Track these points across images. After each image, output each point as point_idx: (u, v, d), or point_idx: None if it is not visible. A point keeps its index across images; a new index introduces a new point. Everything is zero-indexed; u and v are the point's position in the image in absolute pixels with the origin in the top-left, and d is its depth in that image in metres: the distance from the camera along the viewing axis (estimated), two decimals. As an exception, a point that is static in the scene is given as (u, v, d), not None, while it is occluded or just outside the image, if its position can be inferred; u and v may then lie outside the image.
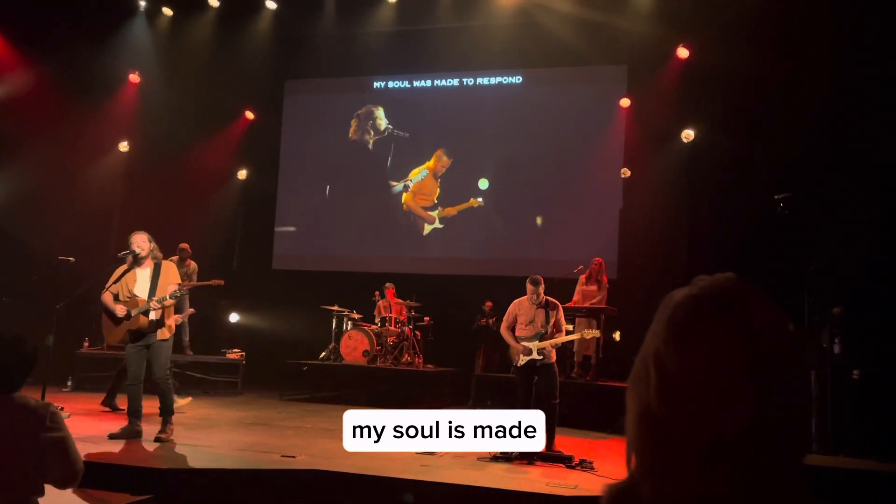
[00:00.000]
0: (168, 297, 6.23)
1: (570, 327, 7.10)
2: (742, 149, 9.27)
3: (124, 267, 6.39)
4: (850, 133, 8.45)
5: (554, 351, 6.62)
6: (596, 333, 7.24)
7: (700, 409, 0.76)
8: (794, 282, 6.90)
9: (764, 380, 0.76)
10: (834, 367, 6.60)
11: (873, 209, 7.62)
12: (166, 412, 6.34)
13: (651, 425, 0.79)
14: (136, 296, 6.26)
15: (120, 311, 6.19)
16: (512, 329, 6.68)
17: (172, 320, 6.43)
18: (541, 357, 6.50)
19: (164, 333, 6.33)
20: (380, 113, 12.82)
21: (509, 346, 6.73)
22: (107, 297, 6.28)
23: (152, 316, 6.23)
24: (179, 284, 6.48)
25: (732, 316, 0.79)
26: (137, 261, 6.33)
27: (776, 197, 7.03)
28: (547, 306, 6.60)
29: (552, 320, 6.56)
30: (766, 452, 0.75)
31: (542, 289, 6.57)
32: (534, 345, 6.50)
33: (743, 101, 9.53)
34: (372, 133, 12.86)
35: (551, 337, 6.55)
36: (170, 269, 6.44)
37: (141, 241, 6.31)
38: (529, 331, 6.56)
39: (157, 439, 6.13)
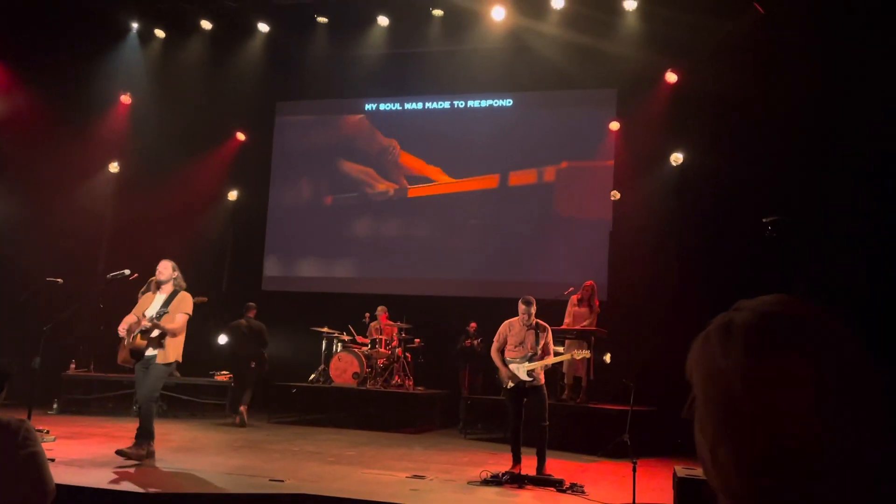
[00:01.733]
0: (155, 317, 6.23)
1: (560, 349, 7.10)
2: (730, 172, 9.35)
3: (149, 293, 6.59)
4: (835, 157, 8.55)
5: (542, 373, 6.60)
6: (586, 354, 7.22)
7: (814, 422, 0.76)
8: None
9: (861, 388, 0.78)
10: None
11: (859, 231, 7.70)
12: (141, 433, 6.24)
13: (761, 454, 0.79)
14: (144, 317, 6.35)
15: (120, 330, 6.31)
16: (502, 351, 6.65)
17: (175, 346, 6.39)
18: (530, 379, 6.47)
19: (163, 357, 6.33)
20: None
21: (498, 369, 6.70)
22: (126, 318, 6.42)
23: (154, 334, 6.26)
24: (189, 314, 6.48)
25: (809, 335, 0.80)
26: (158, 286, 6.50)
27: (764, 220, 7.09)
28: (537, 328, 6.59)
29: (541, 342, 6.54)
30: (876, 464, 0.76)
31: (533, 309, 6.57)
32: (523, 367, 6.46)
33: (730, 125, 9.64)
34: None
35: (540, 359, 6.52)
36: (184, 299, 6.48)
37: (163, 268, 6.50)
38: (519, 352, 6.54)
39: (119, 451, 6.04)
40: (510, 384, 6.53)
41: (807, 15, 8.83)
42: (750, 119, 9.34)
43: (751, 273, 8.53)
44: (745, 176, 9.10)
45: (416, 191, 12.59)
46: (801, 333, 0.80)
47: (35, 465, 2.49)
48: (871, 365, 0.81)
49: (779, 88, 8.87)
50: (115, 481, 5.43)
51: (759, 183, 8.79)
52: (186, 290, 6.58)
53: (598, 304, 9.33)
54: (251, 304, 10.48)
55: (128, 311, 6.55)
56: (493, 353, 6.68)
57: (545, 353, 6.59)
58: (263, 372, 10.06)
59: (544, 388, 6.64)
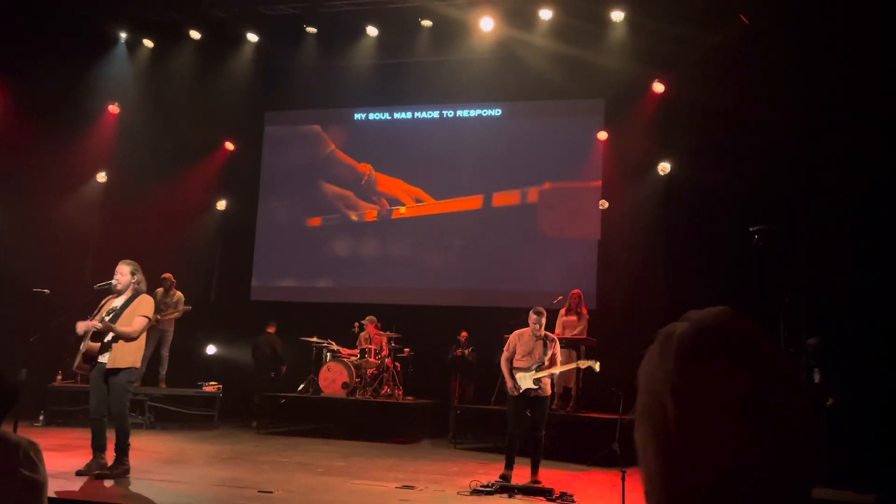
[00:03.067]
0: (104, 319, 5.91)
1: (587, 363, 7.23)
2: (717, 181, 9.42)
3: (112, 296, 6.28)
4: (822, 165, 8.64)
5: (549, 384, 6.78)
6: (593, 364, 7.18)
7: (722, 435, 0.77)
8: (770, 312, 6.98)
9: (776, 404, 0.78)
10: (812, 397, 6.66)
11: (846, 240, 7.78)
12: (118, 449, 6.00)
13: (673, 457, 0.80)
14: (97, 320, 6.06)
15: (78, 329, 5.99)
16: (510, 360, 6.77)
17: (129, 351, 6.02)
18: (536, 388, 6.59)
19: (114, 361, 5.96)
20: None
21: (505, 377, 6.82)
22: (83, 322, 6.11)
23: (108, 337, 5.94)
24: (148, 318, 6.18)
25: (740, 345, 0.81)
26: (117, 290, 6.19)
27: (751, 229, 7.15)
28: (545, 339, 6.77)
29: (549, 353, 6.69)
30: (789, 480, 0.76)
31: (544, 320, 6.75)
32: (529, 375, 6.59)
33: (717, 134, 9.72)
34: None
35: (547, 369, 6.66)
36: (143, 302, 6.16)
37: (121, 271, 6.17)
38: (526, 362, 6.69)
39: (98, 475, 5.83)
40: (516, 392, 6.64)
41: (791, 27, 8.94)
42: (736, 129, 9.43)
43: (738, 281, 8.60)
44: (731, 185, 9.17)
45: (402, 210, 12.59)
46: (733, 349, 0.80)
47: (33, 491, 2.40)
48: (802, 385, 0.81)
49: (764, 99, 8.96)
50: (100, 495, 5.38)
51: (746, 192, 8.86)
52: (148, 292, 6.35)
53: (585, 311, 9.37)
54: (271, 322, 11.54)
55: None
56: (503, 363, 6.80)
57: (552, 363, 6.73)
58: (278, 382, 11.08)
59: (548, 400, 6.84)
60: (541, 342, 6.72)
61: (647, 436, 0.82)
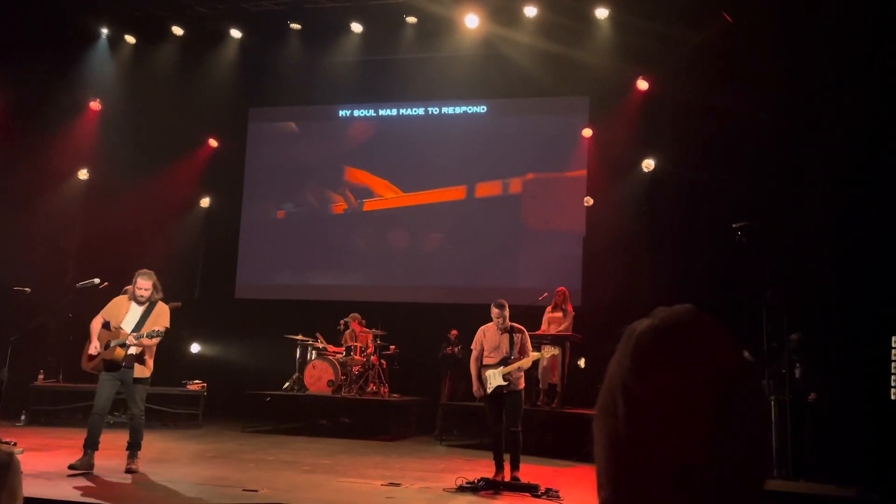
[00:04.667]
0: (146, 336, 6.17)
1: (538, 355, 7.04)
2: (701, 178, 9.49)
3: (124, 297, 6.42)
4: (804, 162, 8.72)
5: (522, 378, 6.55)
6: (554, 351, 7.13)
7: (667, 437, 0.77)
8: (753, 308, 7.04)
9: (725, 409, 0.77)
10: (794, 392, 6.73)
11: (828, 236, 7.85)
12: (135, 446, 6.32)
13: (621, 454, 0.80)
14: (121, 328, 6.25)
15: (93, 349, 6.21)
16: (480, 359, 6.57)
17: (152, 359, 6.38)
18: (506, 383, 6.41)
19: (142, 371, 6.31)
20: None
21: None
22: (95, 324, 6.29)
23: (131, 350, 6.21)
24: (167, 328, 6.41)
25: (693, 347, 0.81)
26: (136, 297, 6.38)
27: (734, 226, 7.20)
28: (511, 331, 6.54)
29: (517, 346, 6.50)
30: (729, 479, 0.76)
31: (507, 312, 6.51)
32: (498, 371, 6.41)
33: (701, 131, 9.78)
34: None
35: (515, 363, 6.47)
36: (163, 312, 6.43)
37: (145, 286, 6.34)
38: (495, 357, 6.49)
39: (128, 470, 6.15)
40: (489, 389, 6.44)
41: (774, 24, 9.01)
42: (720, 126, 9.49)
43: (721, 278, 8.66)
44: (715, 182, 9.23)
45: (384, 202, 12.57)
46: (687, 350, 0.80)
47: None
48: (758, 389, 0.81)
49: (748, 96, 9.02)
50: (85, 494, 5.34)
51: (729, 188, 8.93)
52: (162, 299, 6.51)
53: (571, 307, 9.41)
54: None
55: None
56: (472, 362, 6.60)
57: (523, 354, 6.53)
58: None
59: (522, 394, 6.58)
60: (507, 335, 6.50)
61: (600, 430, 0.83)
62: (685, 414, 0.77)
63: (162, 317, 6.39)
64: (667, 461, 0.76)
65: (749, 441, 0.78)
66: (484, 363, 6.53)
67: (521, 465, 6.44)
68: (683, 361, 0.79)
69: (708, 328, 0.83)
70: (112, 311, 6.37)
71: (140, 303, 6.38)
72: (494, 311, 6.52)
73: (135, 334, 6.18)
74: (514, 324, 6.63)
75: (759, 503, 0.79)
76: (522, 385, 6.58)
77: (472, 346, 6.66)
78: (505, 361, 6.45)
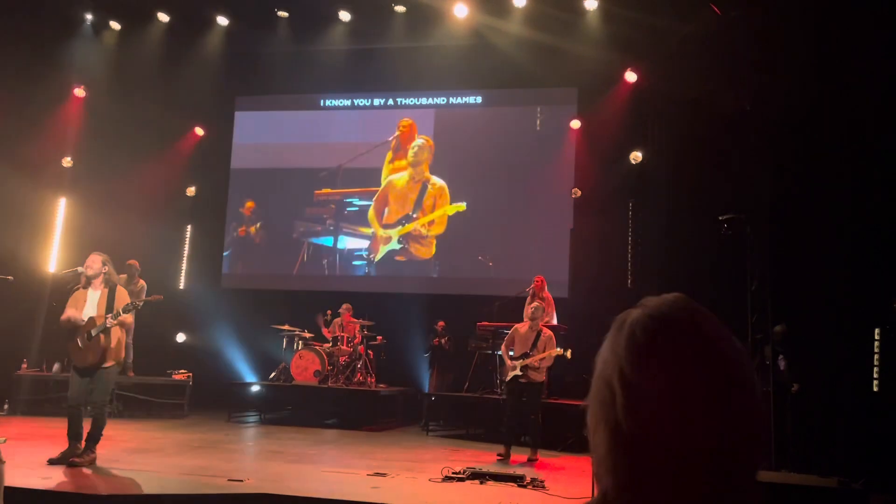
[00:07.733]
0: (122, 312, 6.07)
1: (559, 351, 7.52)
2: (687, 170, 9.51)
3: (81, 290, 6.29)
4: (792, 155, 8.75)
5: (542, 371, 7.58)
6: (560, 352, 7.52)
7: (668, 425, 0.77)
8: (738, 300, 7.08)
9: (725, 395, 0.78)
10: (777, 383, 6.79)
11: (813, 229, 7.89)
12: (92, 439, 6.11)
13: (622, 444, 0.80)
14: (92, 317, 6.14)
15: (75, 354, 6.14)
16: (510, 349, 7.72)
17: (117, 343, 6.23)
18: (521, 374, 7.43)
19: (107, 357, 6.18)
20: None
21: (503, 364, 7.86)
22: (74, 317, 6.14)
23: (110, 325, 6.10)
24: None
25: (691, 335, 0.81)
26: (87, 281, 6.23)
27: (720, 217, 7.23)
28: (539, 332, 7.60)
29: (540, 345, 7.52)
30: (729, 464, 0.77)
31: (539, 321, 7.66)
32: (518, 363, 7.48)
33: (688, 123, 9.79)
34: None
35: (528, 359, 7.48)
36: (123, 296, 6.30)
37: (91, 262, 6.21)
38: (518, 351, 7.60)
39: (70, 462, 5.87)
40: (508, 375, 7.53)
41: (763, 16, 9.02)
42: (707, 118, 9.50)
43: (708, 269, 8.70)
44: (701, 174, 9.26)
45: (373, 194, 12.53)
46: (683, 339, 0.81)
47: None
48: (752, 377, 0.82)
49: (736, 87, 9.04)
50: (68, 483, 5.31)
51: (716, 180, 8.95)
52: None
53: (549, 296, 9.42)
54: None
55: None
56: (503, 348, 7.83)
57: (539, 353, 7.50)
58: None
59: (540, 387, 7.63)
60: (534, 334, 7.59)
61: (597, 420, 0.83)
62: (686, 402, 0.77)
63: (120, 300, 6.23)
64: (668, 449, 0.77)
65: (748, 426, 0.78)
66: (511, 355, 7.63)
67: (538, 451, 7.44)
68: (682, 350, 0.80)
69: (702, 316, 0.83)
70: (75, 306, 6.23)
71: (91, 285, 6.22)
72: (527, 314, 7.85)
73: (110, 315, 6.08)
74: (543, 327, 7.71)
75: (756, 488, 0.80)
76: (542, 378, 7.64)
77: (506, 339, 7.84)
78: (525, 356, 7.50)
